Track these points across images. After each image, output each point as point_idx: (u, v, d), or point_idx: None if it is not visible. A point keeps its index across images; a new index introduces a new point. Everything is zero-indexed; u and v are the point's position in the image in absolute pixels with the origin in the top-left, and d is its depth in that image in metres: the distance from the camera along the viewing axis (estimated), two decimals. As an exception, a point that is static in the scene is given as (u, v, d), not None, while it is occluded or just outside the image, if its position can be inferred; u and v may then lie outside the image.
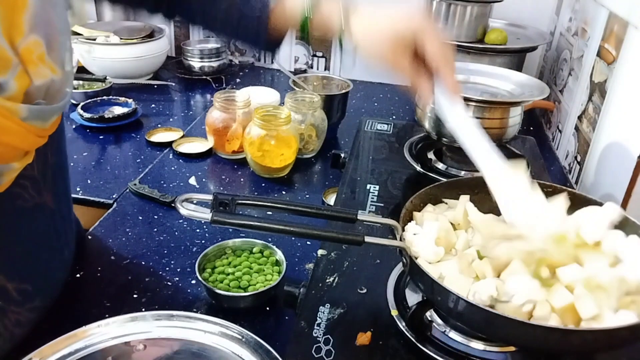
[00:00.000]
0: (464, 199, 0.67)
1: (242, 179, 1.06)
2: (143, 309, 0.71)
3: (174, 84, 1.50)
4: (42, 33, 0.50)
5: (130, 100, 1.28)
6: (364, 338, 0.58)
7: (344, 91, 1.22)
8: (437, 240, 0.60)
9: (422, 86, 0.64)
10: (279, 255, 0.77)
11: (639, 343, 0.54)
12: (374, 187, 0.89)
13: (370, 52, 0.65)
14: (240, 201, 0.59)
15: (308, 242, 0.86)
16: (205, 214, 0.56)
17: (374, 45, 0.64)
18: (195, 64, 1.54)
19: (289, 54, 1.66)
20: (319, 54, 1.64)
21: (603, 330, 0.50)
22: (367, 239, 0.56)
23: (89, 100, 1.27)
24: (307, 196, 1.02)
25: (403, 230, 0.62)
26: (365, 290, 0.66)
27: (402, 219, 0.63)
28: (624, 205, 0.82)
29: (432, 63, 0.63)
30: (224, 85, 1.52)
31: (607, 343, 0.51)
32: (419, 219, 0.65)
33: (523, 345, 0.55)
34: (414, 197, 0.67)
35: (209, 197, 0.58)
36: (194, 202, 0.58)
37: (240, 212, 0.58)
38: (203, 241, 0.85)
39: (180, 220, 0.90)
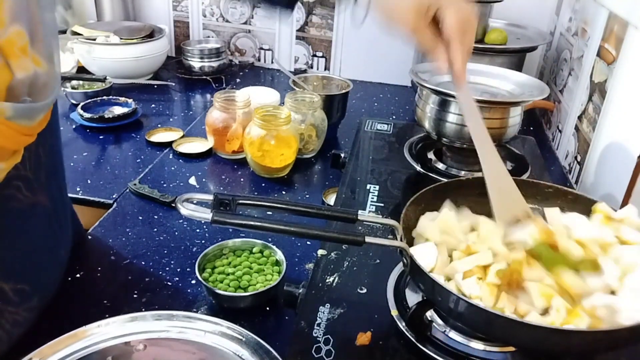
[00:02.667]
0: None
1: (242, 179, 1.06)
2: (143, 309, 0.71)
3: (174, 84, 1.50)
4: (25, 23, 0.48)
5: (130, 100, 1.28)
6: (364, 338, 0.58)
7: (344, 91, 1.22)
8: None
9: (438, 57, 0.63)
10: (279, 255, 0.77)
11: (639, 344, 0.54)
12: (374, 187, 0.89)
13: (389, 13, 0.62)
14: (240, 201, 0.58)
15: (308, 242, 0.86)
16: (206, 214, 0.56)
17: (396, 6, 0.61)
18: (195, 64, 1.54)
19: (289, 54, 1.66)
20: (319, 54, 1.64)
21: (603, 332, 0.50)
22: (368, 239, 0.56)
23: (89, 100, 1.27)
24: (307, 196, 1.02)
25: (405, 229, 0.62)
26: (365, 290, 0.66)
27: (402, 219, 0.63)
28: (624, 205, 0.82)
29: (446, 37, 0.61)
30: (224, 85, 1.52)
31: (607, 344, 0.51)
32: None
33: (523, 345, 0.55)
34: (414, 197, 0.67)
35: (210, 197, 0.58)
36: (194, 202, 0.58)
37: (241, 212, 0.58)
38: (203, 241, 0.85)
39: (180, 220, 0.90)
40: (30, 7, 0.49)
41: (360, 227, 0.76)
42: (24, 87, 0.49)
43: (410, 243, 0.63)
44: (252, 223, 0.56)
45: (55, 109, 0.65)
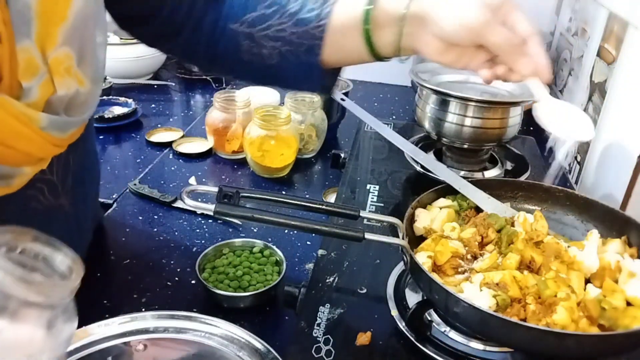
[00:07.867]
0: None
1: (242, 179, 1.06)
2: (143, 309, 0.71)
3: (174, 84, 1.50)
4: (76, 45, 0.51)
5: (130, 100, 1.28)
6: (364, 338, 0.58)
7: (344, 91, 1.21)
8: None
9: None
10: (279, 255, 0.77)
11: (637, 350, 0.54)
12: (374, 187, 0.89)
13: (455, 37, 0.56)
14: (244, 194, 0.59)
15: (308, 242, 0.86)
16: (209, 206, 0.57)
17: (458, 30, 0.56)
18: (195, 64, 1.53)
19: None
20: (319, 54, 1.64)
21: (599, 336, 0.50)
22: (368, 235, 0.57)
23: (89, 100, 1.27)
24: (307, 196, 1.02)
25: (411, 226, 0.62)
26: (365, 290, 0.66)
27: (406, 218, 0.63)
28: (624, 205, 0.82)
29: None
30: (224, 85, 1.52)
31: (604, 348, 0.50)
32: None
33: (518, 347, 0.55)
34: (420, 198, 0.68)
35: (212, 189, 0.59)
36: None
37: (243, 206, 0.59)
38: (203, 241, 0.85)
39: (180, 220, 0.90)
40: (86, 31, 0.52)
41: (360, 227, 0.76)
42: (62, 103, 0.51)
43: (412, 242, 0.63)
44: (253, 215, 0.57)
45: (91, 121, 0.66)
